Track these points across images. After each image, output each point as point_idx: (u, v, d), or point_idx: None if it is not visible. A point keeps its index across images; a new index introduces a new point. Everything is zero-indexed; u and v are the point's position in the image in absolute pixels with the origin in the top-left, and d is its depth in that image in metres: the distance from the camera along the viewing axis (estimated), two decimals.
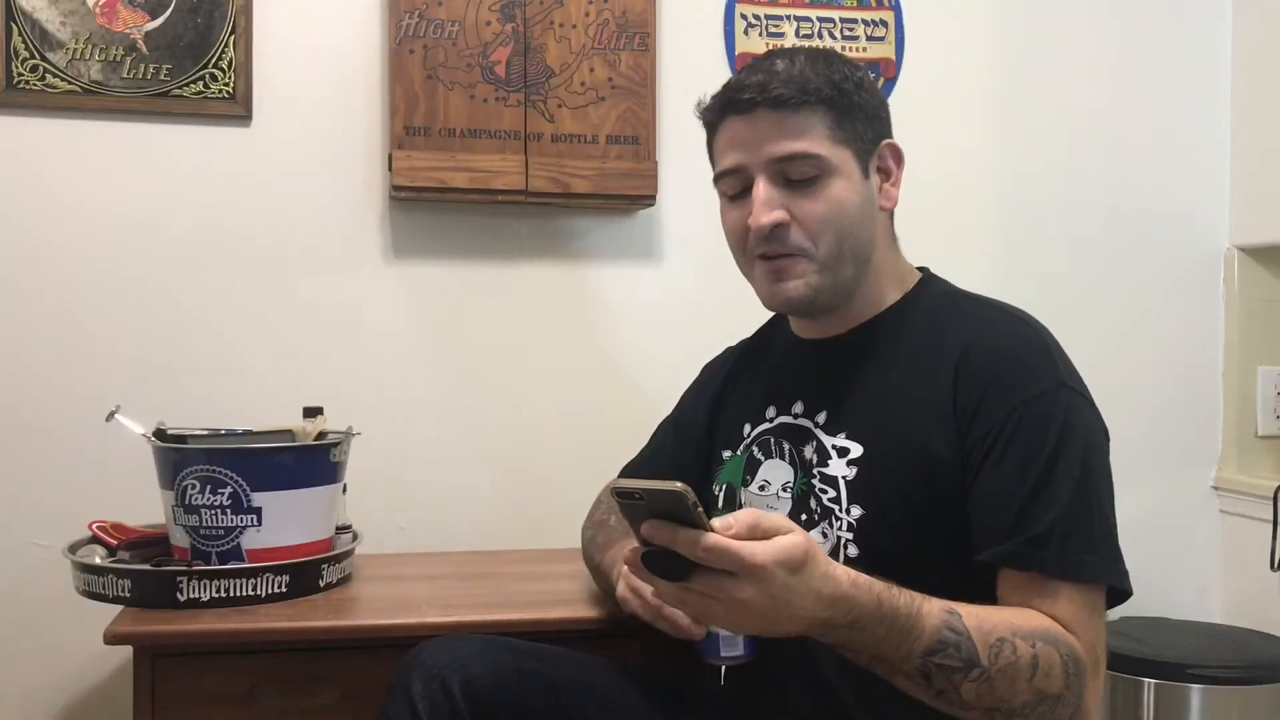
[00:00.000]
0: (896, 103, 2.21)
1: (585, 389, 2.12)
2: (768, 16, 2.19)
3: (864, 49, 2.22)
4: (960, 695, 1.05)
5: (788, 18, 2.20)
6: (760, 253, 1.27)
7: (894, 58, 2.24)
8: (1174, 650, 2.05)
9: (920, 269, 1.39)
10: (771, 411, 1.37)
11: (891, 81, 2.23)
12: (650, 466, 1.57)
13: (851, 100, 1.26)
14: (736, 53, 2.17)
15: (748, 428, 1.40)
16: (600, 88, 2.04)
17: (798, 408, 1.34)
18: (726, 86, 1.29)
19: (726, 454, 1.42)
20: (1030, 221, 2.30)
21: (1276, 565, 2.15)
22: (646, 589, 1.24)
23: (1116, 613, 2.20)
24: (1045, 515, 1.13)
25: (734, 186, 1.29)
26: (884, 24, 2.23)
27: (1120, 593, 1.18)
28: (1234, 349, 2.34)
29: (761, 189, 1.24)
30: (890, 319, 1.32)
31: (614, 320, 2.13)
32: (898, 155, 1.32)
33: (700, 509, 0.93)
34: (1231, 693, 1.99)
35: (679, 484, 0.92)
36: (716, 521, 0.95)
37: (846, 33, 2.21)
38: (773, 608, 0.96)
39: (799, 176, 1.24)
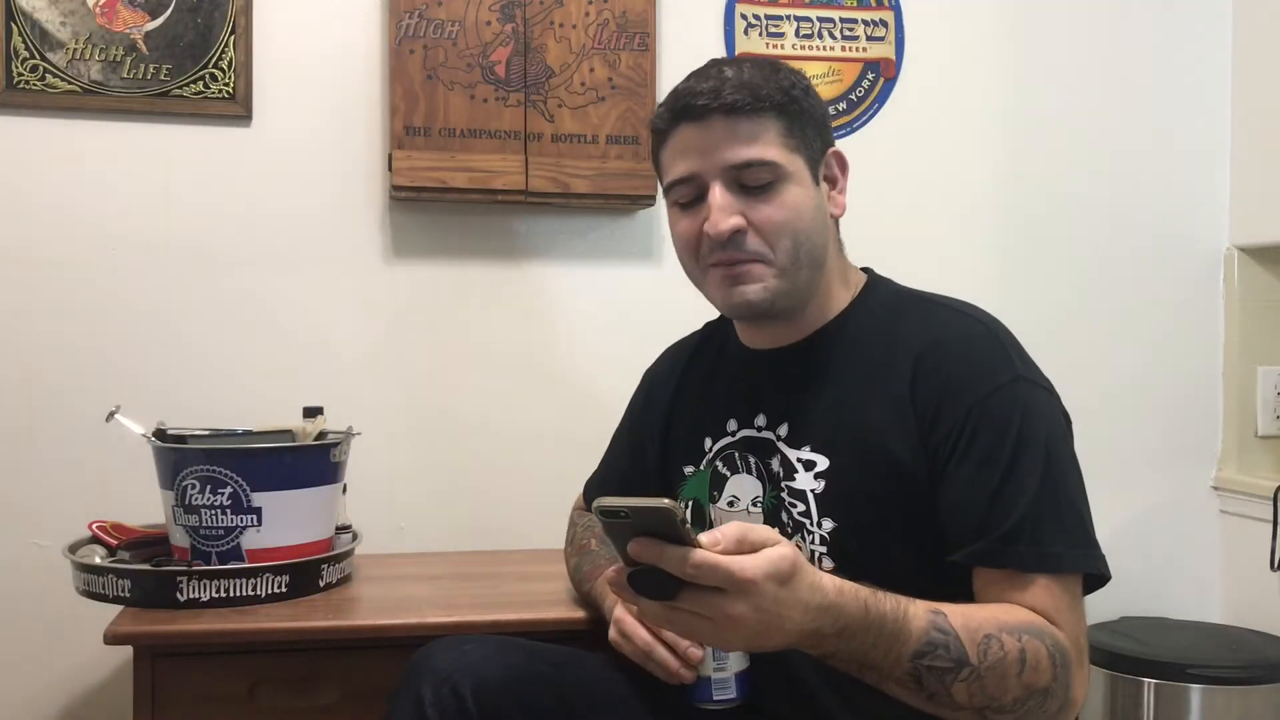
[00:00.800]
0: (896, 103, 2.25)
1: (585, 388, 2.12)
2: (768, 16, 2.19)
3: (864, 49, 2.22)
4: (952, 697, 1.04)
5: (788, 18, 2.20)
6: (714, 260, 1.25)
7: (894, 58, 2.24)
8: (1174, 650, 2.05)
9: (864, 269, 1.37)
10: (733, 425, 1.35)
11: (891, 81, 2.23)
12: (610, 482, 1.55)
13: (801, 107, 1.25)
14: (737, 53, 2.17)
15: (709, 442, 1.38)
16: (600, 88, 2.04)
17: (760, 420, 1.32)
18: (676, 94, 1.26)
19: (689, 469, 1.40)
20: (1030, 221, 2.30)
21: (1276, 565, 2.15)
22: (638, 632, 1.24)
23: (1116, 612, 2.23)
24: (1013, 511, 1.13)
25: (687, 195, 1.26)
26: (884, 24, 2.23)
27: (1098, 578, 1.17)
28: (1234, 349, 2.34)
29: (718, 195, 1.22)
30: (842, 325, 1.30)
31: (614, 320, 2.13)
32: (843, 163, 1.31)
33: (688, 525, 0.92)
34: (1231, 693, 1.99)
35: (666, 500, 0.91)
36: (704, 537, 0.94)
37: (846, 33, 2.21)
38: (763, 622, 0.94)
39: (754, 183, 1.22)
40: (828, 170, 1.30)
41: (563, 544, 1.67)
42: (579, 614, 1.55)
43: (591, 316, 2.13)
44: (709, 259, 1.25)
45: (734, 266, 1.24)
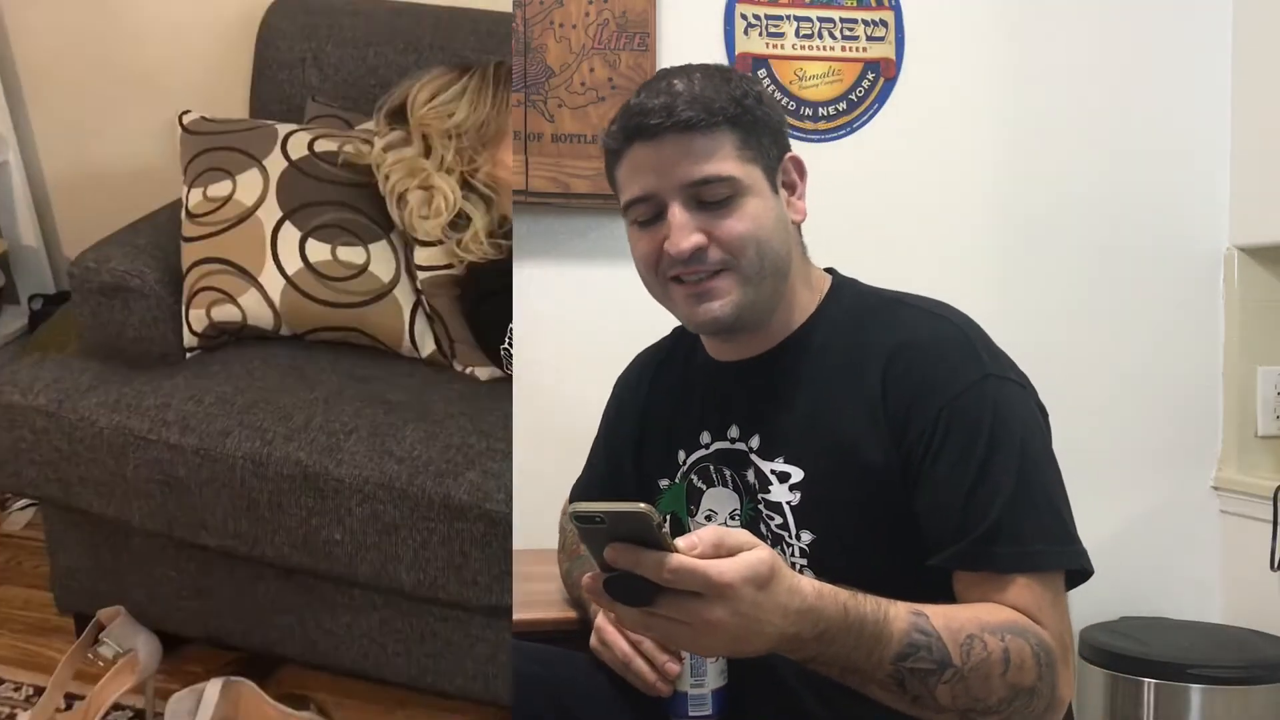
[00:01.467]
0: (896, 103, 2.24)
1: (586, 389, 2.11)
2: (768, 16, 2.19)
3: (864, 49, 2.22)
4: (936, 699, 1.03)
5: (788, 18, 2.20)
6: (675, 274, 1.23)
7: (894, 58, 2.24)
8: (1174, 650, 2.05)
9: (828, 270, 1.35)
10: (706, 437, 1.34)
11: (891, 81, 2.23)
12: (594, 486, 1.55)
13: (755, 116, 1.23)
14: (737, 53, 2.17)
15: (682, 455, 1.36)
16: (600, 88, 2.04)
17: (733, 432, 1.31)
18: (628, 112, 1.24)
19: (664, 482, 1.39)
20: (1030, 221, 2.29)
21: (1276, 565, 2.15)
22: (618, 642, 1.23)
23: (1116, 612, 2.23)
24: (990, 511, 1.11)
25: (645, 213, 1.24)
26: (884, 24, 2.23)
27: (1080, 573, 1.16)
28: (1234, 349, 2.34)
29: (677, 214, 1.20)
30: (808, 332, 1.29)
31: (614, 320, 2.13)
32: (800, 168, 1.30)
33: (665, 529, 0.90)
34: (1231, 693, 1.99)
35: (642, 505, 0.89)
36: (680, 541, 0.92)
37: (846, 33, 2.21)
38: (741, 627, 0.93)
39: (712, 199, 1.20)
40: (786, 177, 1.28)
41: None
42: (578, 614, 1.56)
43: (592, 316, 2.13)
44: (669, 271, 1.23)
45: (699, 284, 1.22)
